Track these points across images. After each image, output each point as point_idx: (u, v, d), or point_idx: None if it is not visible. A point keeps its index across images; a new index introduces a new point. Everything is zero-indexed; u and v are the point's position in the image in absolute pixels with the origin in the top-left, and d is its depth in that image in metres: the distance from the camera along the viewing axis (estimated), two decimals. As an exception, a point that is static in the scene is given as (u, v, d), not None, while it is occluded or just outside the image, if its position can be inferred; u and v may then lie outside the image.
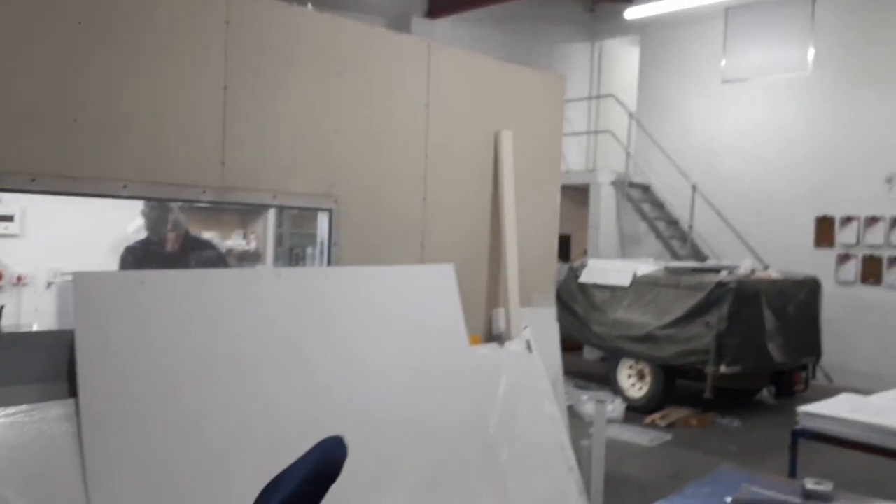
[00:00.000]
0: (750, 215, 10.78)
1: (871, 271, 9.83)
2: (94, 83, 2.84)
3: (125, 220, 4.90)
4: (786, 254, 10.13)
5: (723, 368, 7.31)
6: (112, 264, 4.44)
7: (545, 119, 4.86)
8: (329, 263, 3.69)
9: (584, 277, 8.78)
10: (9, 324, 5.12)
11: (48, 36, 2.72)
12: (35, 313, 5.52)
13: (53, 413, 2.53)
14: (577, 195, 11.52)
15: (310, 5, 4.02)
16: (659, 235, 11.42)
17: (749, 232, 10.61)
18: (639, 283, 8.23)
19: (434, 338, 3.78)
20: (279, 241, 6.99)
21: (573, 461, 4.29)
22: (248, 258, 6.85)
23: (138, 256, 4.38)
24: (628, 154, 11.90)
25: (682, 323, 7.66)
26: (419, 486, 3.43)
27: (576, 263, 9.30)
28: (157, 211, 4.39)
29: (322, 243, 3.78)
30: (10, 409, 2.46)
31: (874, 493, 2.93)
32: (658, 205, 11.87)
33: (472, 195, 4.39)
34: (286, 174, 3.49)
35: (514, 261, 4.40)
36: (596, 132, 12.99)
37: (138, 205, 4.44)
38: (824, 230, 10.26)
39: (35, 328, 5.32)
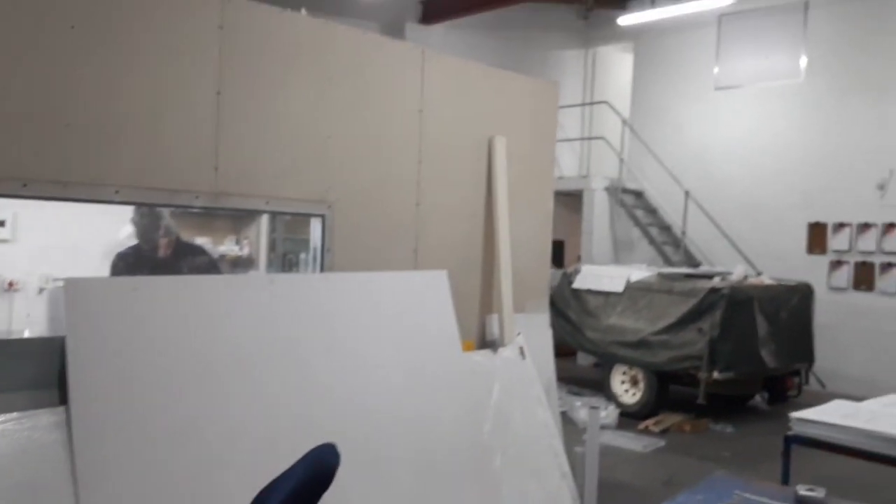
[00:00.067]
0: (743, 221, 10.82)
1: (864, 277, 9.87)
2: (87, 88, 2.83)
3: (117, 226, 4.88)
4: (778, 260, 10.16)
5: (716, 374, 7.32)
6: (104, 270, 4.42)
7: (539, 125, 4.87)
8: (322, 269, 3.68)
9: (578, 283, 8.79)
10: (-1, 330, 5.09)
11: (41, 40, 2.71)
12: (26, 319, 5.49)
13: (44, 421, 2.51)
14: (570, 201, 11.55)
15: (303, 11, 4.02)
16: (652, 241, 11.44)
17: (742, 238, 10.64)
18: (632, 289, 8.24)
19: (427, 344, 3.77)
20: (272, 246, 6.97)
21: (566, 467, 4.28)
22: (241, 264, 6.83)
23: (130, 263, 4.36)
24: (621, 160, 11.93)
25: (675, 329, 7.67)
26: (412, 493, 3.42)
27: (569, 269, 9.31)
28: (147, 219, 4.36)
29: (315, 249, 3.77)
30: (0, 418, 2.43)
31: (867, 499, 2.94)
32: (651, 211, 11.90)
33: (465, 201, 4.39)
34: (279, 180, 3.48)
35: (507, 267, 4.40)
36: (589, 138, 13.02)
37: (130, 210, 4.43)
38: (817, 236, 10.30)
39: (26, 334, 5.30)
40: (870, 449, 3.54)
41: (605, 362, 8.56)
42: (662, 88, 12.19)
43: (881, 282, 9.73)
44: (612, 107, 12.02)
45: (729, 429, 7.64)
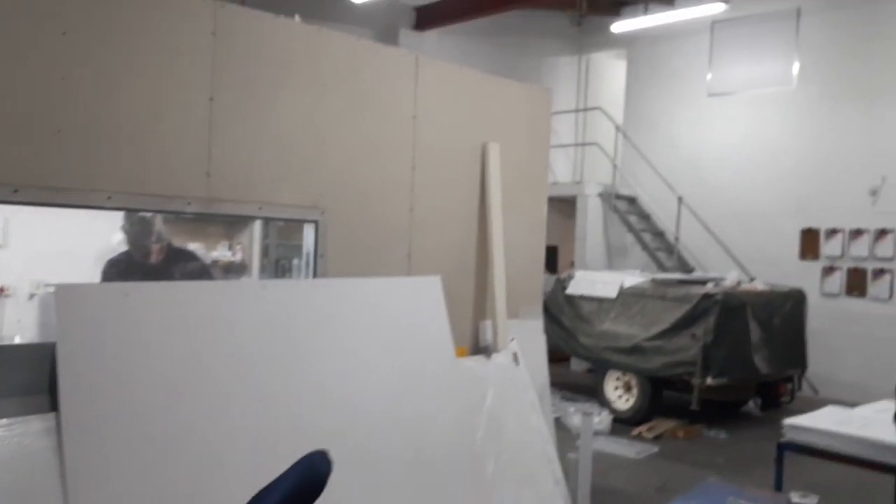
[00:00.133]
0: (736, 227, 10.85)
1: (856, 283, 9.90)
2: (79, 94, 2.83)
3: (109, 232, 4.86)
4: (771, 266, 10.19)
5: (709, 380, 7.33)
6: (96, 276, 4.39)
7: (532, 132, 4.88)
8: (315, 275, 3.67)
9: (571, 289, 8.79)
10: (-10, 336, 5.06)
11: (32, 47, 2.71)
12: (17, 325, 5.46)
13: (34, 427, 2.50)
14: (564, 207, 11.56)
15: (297, 17, 4.01)
16: (645, 247, 11.46)
17: (735, 244, 10.67)
18: (626, 295, 8.25)
19: (421, 350, 3.77)
20: (265, 252, 6.94)
21: (560, 474, 4.28)
22: (234, 270, 6.80)
23: (121, 269, 4.34)
24: (615, 166, 11.95)
25: (668, 335, 7.68)
26: (405, 497, 3.41)
27: (563, 275, 9.31)
28: (139, 225, 4.34)
29: (308, 255, 3.76)
30: (-10, 423, 2.42)
31: (860, 505, 2.94)
32: (644, 217, 11.92)
33: (459, 207, 4.39)
34: (272, 185, 3.47)
35: (501, 272, 4.40)
36: (583, 144, 13.04)
37: (122, 216, 4.40)
38: (809, 242, 10.33)
39: (17, 340, 5.26)
40: (863, 455, 3.55)
41: (599, 368, 8.56)
42: (655, 95, 12.23)
43: (873, 288, 9.76)
44: (605, 113, 12.05)
45: (722, 435, 7.65)
